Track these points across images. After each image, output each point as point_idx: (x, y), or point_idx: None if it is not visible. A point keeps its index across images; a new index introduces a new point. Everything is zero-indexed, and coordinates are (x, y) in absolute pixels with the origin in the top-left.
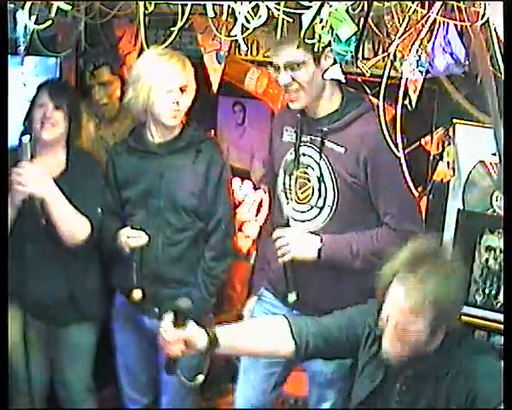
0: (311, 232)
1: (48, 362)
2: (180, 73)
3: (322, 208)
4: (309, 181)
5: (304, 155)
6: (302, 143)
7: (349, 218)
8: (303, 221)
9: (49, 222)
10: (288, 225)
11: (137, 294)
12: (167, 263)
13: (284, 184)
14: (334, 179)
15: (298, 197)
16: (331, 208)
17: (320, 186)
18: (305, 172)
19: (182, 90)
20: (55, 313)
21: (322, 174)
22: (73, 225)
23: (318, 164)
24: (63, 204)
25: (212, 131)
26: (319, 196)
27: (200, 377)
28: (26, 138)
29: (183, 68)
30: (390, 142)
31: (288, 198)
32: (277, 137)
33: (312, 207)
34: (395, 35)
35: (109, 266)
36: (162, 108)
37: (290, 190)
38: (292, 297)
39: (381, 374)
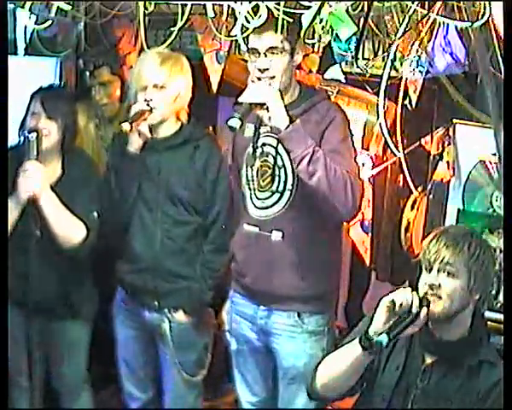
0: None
1: (44, 356)
2: (154, 70)
3: (282, 193)
4: (269, 168)
5: (264, 144)
6: (262, 134)
7: (310, 199)
8: (265, 208)
9: (45, 227)
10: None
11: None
12: (167, 257)
13: (247, 176)
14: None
15: (260, 185)
16: (291, 192)
17: (280, 172)
18: (266, 161)
19: (157, 87)
20: (49, 309)
21: (282, 160)
22: (69, 229)
23: (277, 151)
24: (59, 208)
25: (211, 128)
26: (279, 181)
27: (203, 372)
28: (32, 136)
29: (160, 66)
30: (390, 142)
31: (250, 189)
32: (240, 134)
33: (273, 193)
34: (395, 35)
35: (110, 262)
36: (136, 106)
37: (253, 180)
38: None
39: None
